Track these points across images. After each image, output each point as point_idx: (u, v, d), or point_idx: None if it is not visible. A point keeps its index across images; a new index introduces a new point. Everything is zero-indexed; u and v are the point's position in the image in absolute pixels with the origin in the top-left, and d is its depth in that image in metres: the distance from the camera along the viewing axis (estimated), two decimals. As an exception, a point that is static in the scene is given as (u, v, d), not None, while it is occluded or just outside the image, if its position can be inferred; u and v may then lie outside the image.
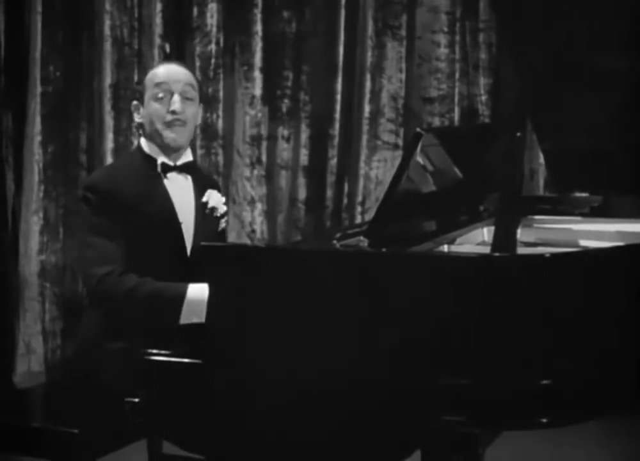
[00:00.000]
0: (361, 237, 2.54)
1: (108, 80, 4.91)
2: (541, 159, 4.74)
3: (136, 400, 2.46)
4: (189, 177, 3.03)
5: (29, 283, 4.86)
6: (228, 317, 2.36)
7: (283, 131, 5.12)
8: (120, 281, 2.75)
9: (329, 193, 5.06)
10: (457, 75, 4.99)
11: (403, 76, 5.04)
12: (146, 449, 2.99)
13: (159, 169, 2.96)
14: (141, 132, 3.03)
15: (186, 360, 2.41)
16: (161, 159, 2.97)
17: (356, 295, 2.26)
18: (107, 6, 4.91)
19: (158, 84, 2.95)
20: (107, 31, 4.92)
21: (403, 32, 5.03)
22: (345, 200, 5.08)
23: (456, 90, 5.00)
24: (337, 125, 5.03)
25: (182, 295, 2.68)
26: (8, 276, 4.91)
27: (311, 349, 2.29)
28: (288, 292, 2.31)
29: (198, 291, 2.66)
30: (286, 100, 5.10)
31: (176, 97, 2.94)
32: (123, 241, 2.80)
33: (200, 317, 2.54)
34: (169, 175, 2.97)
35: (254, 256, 2.40)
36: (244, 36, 5.05)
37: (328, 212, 5.07)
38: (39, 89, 4.84)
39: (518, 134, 2.98)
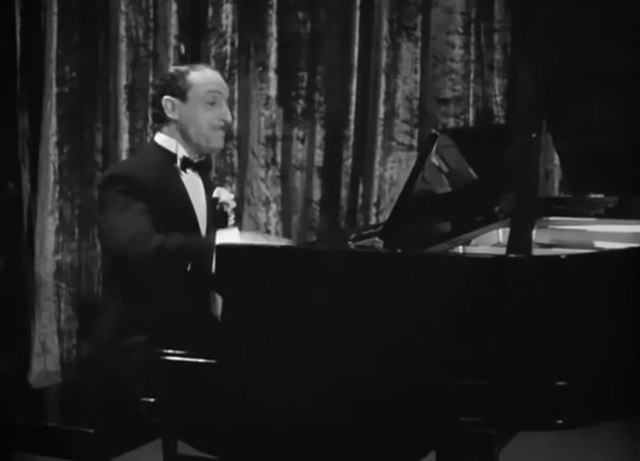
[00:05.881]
0: (376, 238, 2.54)
1: (123, 80, 4.93)
2: (556, 160, 4.72)
3: (152, 400, 2.47)
4: (199, 177, 3.05)
5: (45, 283, 4.88)
6: (243, 316, 2.37)
7: (298, 132, 5.12)
8: (150, 239, 2.72)
9: (344, 193, 5.06)
10: (472, 76, 4.98)
11: (418, 77, 5.04)
12: (161, 448, 2.99)
13: (178, 163, 2.97)
14: (156, 126, 3.03)
15: (201, 360, 2.42)
16: (181, 153, 2.98)
17: (371, 295, 2.26)
18: (123, 7, 4.92)
19: (211, 91, 2.97)
20: (122, 31, 4.93)
21: (418, 33, 5.03)
22: (360, 201, 5.07)
23: (471, 91, 4.99)
24: (352, 126, 5.03)
25: (212, 241, 2.66)
26: (24, 276, 4.93)
27: (326, 349, 2.29)
28: (303, 292, 2.32)
29: (226, 236, 2.69)
30: (301, 101, 5.10)
31: (226, 108, 3.00)
32: (150, 216, 2.79)
33: None
34: (187, 170, 2.99)
35: (269, 256, 2.41)
36: (259, 36, 5.06)
37: (343, 212, 5.07)
38: (55, 89, 4.86)
39: (533, 134, 2.98)
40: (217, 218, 3.07)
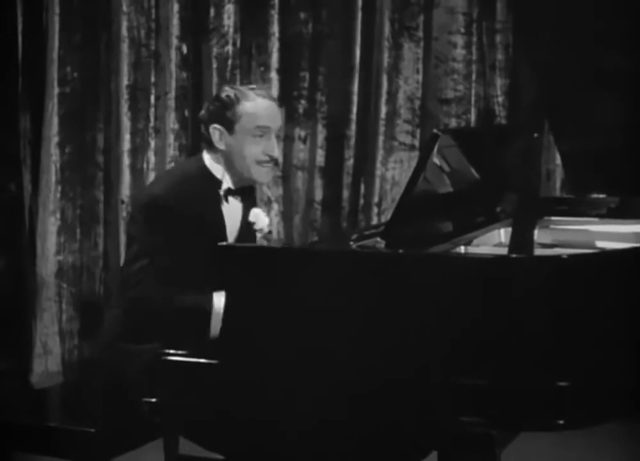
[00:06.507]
0: (378, 238, 2.54)
1: (125, 81, 4.93)
2: (558, 160, 4.72)
3: (153, 400, 2.47)
4: (240, 201, 3.01)
5: (46, 283, 4.87)
6: (245, 317, 2.37)
7: (299, 132, 5.11)
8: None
9: (346, 193, 5.05)
10: (473, 76, 4.98)
11: (420, 77, 5.03)
12: (162, 448, 2.99)
13: (221, 193, 2.93)
14: (204, 146, 2.97)
15: (203, 360, 2.42)
16: (226, 183, 2.94)
17: (373, 296, 2.26)
18: (125, 7, 4.92)
19: (260, 127, 2.90)
20: (124, 32, 4.92)
21: (420, 33, 5.02)
22: (361, 201, 5.07)
23: (473, 91, 4.98)
24: (353, 126, 5.02)
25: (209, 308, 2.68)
26: (25, 276, 4.92)
27: (327, 349, 2.29)
28: (304, 292, 2.32)
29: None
30: (302, 101, 5.10)
31: (274, 142, 2.94)
32: (181, 260, 2.78)
33: None
34: (229, 198, 2.96)
35: (270, 257, 2.41)
36: (260, 37, 5.05)
37: (345, 213, 5.06)
38: (56, 90, 4.86)
39: (535, 134, 2.98)
40: (249, 239, 3.04)
